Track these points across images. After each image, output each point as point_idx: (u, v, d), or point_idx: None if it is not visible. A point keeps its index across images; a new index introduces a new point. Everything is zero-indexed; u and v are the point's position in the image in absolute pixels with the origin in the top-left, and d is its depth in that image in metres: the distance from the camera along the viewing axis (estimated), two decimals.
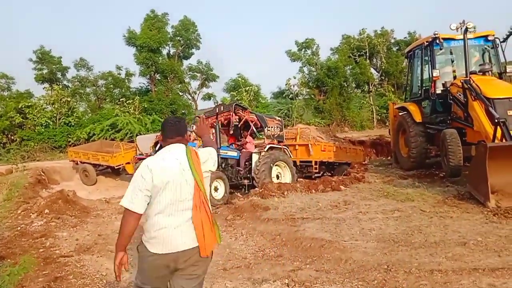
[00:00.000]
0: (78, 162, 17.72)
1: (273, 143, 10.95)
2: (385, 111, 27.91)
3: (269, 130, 11.14)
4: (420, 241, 5.32)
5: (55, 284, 4.59)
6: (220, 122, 10.94)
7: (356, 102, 32.43)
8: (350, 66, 31.53)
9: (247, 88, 30.57)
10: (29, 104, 28.61)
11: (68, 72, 35.04)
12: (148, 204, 2.59)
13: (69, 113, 29.65)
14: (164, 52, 35.10)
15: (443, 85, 9.25)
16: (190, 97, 36.62)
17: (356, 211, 6.93)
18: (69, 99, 30.04)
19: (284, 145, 11.56)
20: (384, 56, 31.33)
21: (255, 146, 11.51)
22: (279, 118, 12.43)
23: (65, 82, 34.65)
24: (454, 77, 9.46)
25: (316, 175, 12.84)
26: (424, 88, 10.15)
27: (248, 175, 10.69)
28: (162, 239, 2.56)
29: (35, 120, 28.09)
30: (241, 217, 7.56)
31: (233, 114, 10.61)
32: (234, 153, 10.97)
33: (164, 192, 2.56)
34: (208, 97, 37.18)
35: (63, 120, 28.96)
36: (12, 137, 28.10)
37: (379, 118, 30.00)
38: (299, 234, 6.13)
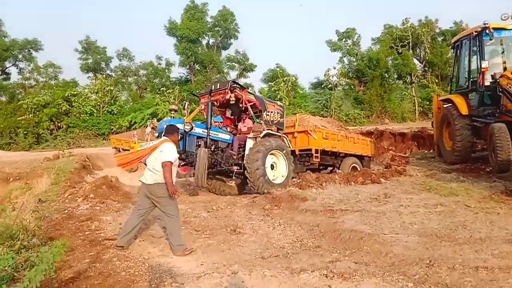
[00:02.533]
0: (120, 149, 18.26)
1: (271, 129, 9.86)
2: (428, 103, 27.03)
3: (268, 115, 10.07)
4: (464, 237, 5.15)
5: (100, 265, 4.78)
6: (215, 101, 9.75)
7: (398, 94, 31.58)
8: (392, 57, 30.69)
9: (285, 79, 30.41)
10: (75, 92, 29.73)
11: (112, 62, 36.18)
12: None
13: (112, 101, 30.59)
14: (204, 42, 35.51)
15: (492, 76, 8.83)
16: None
17: (397, 205, 6.78)
18: (112, 88, 30.97)
19: (284, 134, 10.59)
20: (428, 46, 30.27)
21: (252, 131, 10.07)
22: (280, 103, 11.35)
23: (108, 72, 35.79)
24: (504, 69, 9.00)
25: (321, 168, 12.05)
26: (471, 79, 9.72)
27: (240, 162, 9.57)
28: None
29: (80, 108, 29.17)
30: (279, 207, 7.57)
31: (229, 92, 9.37)
32: (227, 136, 9.79)
33: None
34: (246, 87, 37.31)
35: (106, 109, 29.90)
36: (59, 124, 29.32)
37: (421, 110, 29.09)
38: (338, 225, 6.08)
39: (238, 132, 10.26)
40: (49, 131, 28.47)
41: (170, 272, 4.61)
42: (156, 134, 8.49)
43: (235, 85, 9.67)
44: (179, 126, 7.99)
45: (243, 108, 9.94)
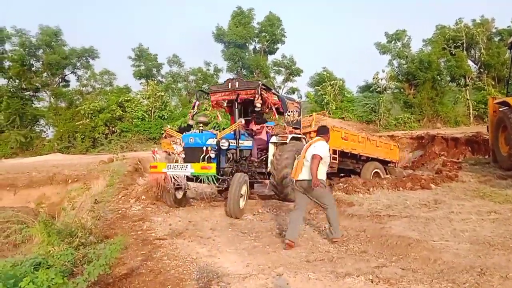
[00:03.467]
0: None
1: (293, 132, 9.13)
2: (483, 106, 25.82)
3: (289, 115, 9.25)
4: None
5: (152, 263, 5.01)
6: (233, 100, 9.01)
7: (451, 97, 30.34)
8: (445, 59, 29.56)
9: (331, 82, 30.13)
10: (128, 98, 30.96)
11: (162, 68, 37.38)
12: None
13: (162, 107, 31.57)
14: (250, 47, 35.93)
15: None
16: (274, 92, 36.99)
17: (447, 211, 6.58)
18: (162, 94, 31.99)
19: (303, 134, 9.85)
20: (484, 47, 28.92)
21: (272, 134, 9.39)
22: (298, 101, 10.64)
23: (159, 78, 36.99)
24: None
25: (341, 176, 11.34)
26: None
27: (264, 170, 8.93)
28: None
29: (132, 113, 30.33)
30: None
31: (257, 95, 8.33)
32: (249, 143, 8.85)
33: None
34: (293, 91, 37.29)
35: (157, 114, 30.89)
36: (113, 129, 30.62)
37: (476, 113, 27.81)
38: (385, 231, 5.99)
39: (252, 133, 9.44)
40: (104, 136, 29.77)
41: (217, 272, 4.74)
42: (180, 149, 7.65)
43: (264, 86, 8.79)
44: (211, 141, 7.66)
45: (263, 109, 9.14)
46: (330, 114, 27.89)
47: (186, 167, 7.40)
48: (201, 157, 7.39)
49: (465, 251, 4.93)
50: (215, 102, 9.46)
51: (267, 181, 8.84)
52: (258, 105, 8.30)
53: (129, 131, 29.93)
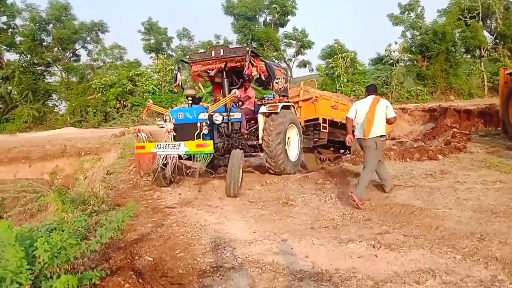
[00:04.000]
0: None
1: (283, 100, 8.65)
2: (498, 78, 25.38)
3: (277, 83, 8.60)
4: None
5: (161, 229, 5.19)
6: (220, 69, 8.45)
7: (465, 69, 29.79)
8: (460, 29, 28.89)
9: (343, 55, 29.75)
10: (138, 72, 31.03)
11: (172, 42, 37.25)
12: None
13: (172, 80, 31.65)
14: (261, 20, 35.50)
15: None
16: (285, 65, 36.73)
17: (452, 181, 6.63)
18: (173, 68, 32.00)
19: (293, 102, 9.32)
20: (501, 17, 28.15)
21: (259, 104, 8.86)
22: (283, 66, 10.22)
23: (169, 52, 36.90)
24: None
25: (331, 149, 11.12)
26: None
27: (255, 143, 8.33)
28: None
29: (143, 87, 30.46)
30: (331, 182, 7.67)
31: (249, 66, 7.70)
32: (239, 114, 8.22)
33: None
34: (304, 64, 37.04)
35: (168, 87, 30.98)
36: (124, 103, 30.84)
37: (490, 85, 27.34)
38: (389, 200, 6.09)
39: (239, 103, 8.75)
40: (115, 110, 30.07)
41: (224, 237, 4.92)
42: (171, 126, 7.08)
43: (253, 53, 8.02)
44: (202, 116, 7.11)
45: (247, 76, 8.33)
46: (319, 84, 27.65)
47: (179, 145, 6.76)
48: (196, 134, 6.73)
49: (467, 219, 5.01)
50: (197, 72, 8.65)
51: (261, 154, 8.41)
52: (254, 73, 7.78)
53: (140, 105, 30.12)
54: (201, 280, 3.73)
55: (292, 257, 4.27)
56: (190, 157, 6.91)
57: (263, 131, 8.15)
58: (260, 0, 33.45)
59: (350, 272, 3.83)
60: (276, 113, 8.16)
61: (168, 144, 6.92)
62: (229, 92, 8.02)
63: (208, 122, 7.01)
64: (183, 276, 3.81)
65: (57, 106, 34.07)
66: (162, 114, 7.61)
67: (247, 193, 7.35)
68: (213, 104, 7.50)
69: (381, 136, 6.26)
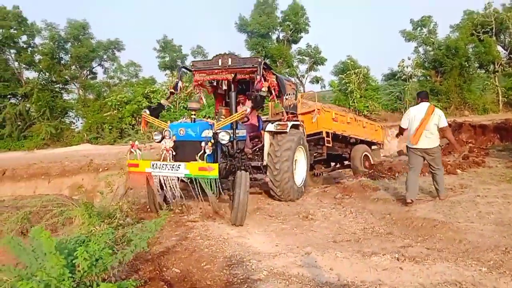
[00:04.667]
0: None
1: (291, 118, 7.98)
2: None
3: (287, 98, 7.96)
4: None
5: (186, 242, 5.29)
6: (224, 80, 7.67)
7: (479, 84, 29.73)
8: (473, 45, 28.93)
9: (356, 71, 29.91)
10: (154, 89, 31.52)
11: (187, 59, 37.86)
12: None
13: (187, 97, 32.05)
14: (274, 37, 35.98)
15: None
16: (298, 81, 37.00)
17: (473, 195, 6.64)
18: (187, 85, 32.43)
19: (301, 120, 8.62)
20: None
21: (264, 120, 8.28)
22: (293, 81, 9.51)
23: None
24: None
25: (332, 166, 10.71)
26: None
27: (259, 164, 7.53)
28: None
29: (140, 123, 30.92)
30: (350, 196, 7.71)
31: (261, 79, 6.88)
32: (243, 132, 7.27)
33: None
34: (316, 80, 37.26)
35: (182, 104, 31.37)
36: (140, 120, 31.28)
37: (505, 100, 27.20)
38: (410, 214, 6.12)
39: (245, 119, 7.56)
40: (131, 126, 30.48)
41: (247, 250, 4.98)
42: (171, 144, 6.10)
43: (265, 65, 7.22)
44: (206, 133, 6.19)
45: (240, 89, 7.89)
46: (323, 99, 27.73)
47: (179, 167, 5.85)
48: (199, 155, 5.76)
49: (490, 232, 5.02)
50: (199, 82, 7.68)
51: (267, 179, 7.41)
52: (264, 89, 6.76)
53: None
54: None
55: (316, 270, 4.31)
56: (191, 181, 5.95)
57: (268, 154, 7.43)
58: (274, 18, 33.95)
59: (376, 284, 3.86)
60: (285, 132, 7.48)
61: (166, 165, 5.96)
62: (236, 107, 7.38)
63: (213, 141, 5.99)
64: (211, 287, 3.88)
65: (74, 123, 34.70)
66: (160, 128, 6.78)
67: (266, 207, 7.42)
68: (217, 120, 6.51)
69: (431, 148, 6.58)
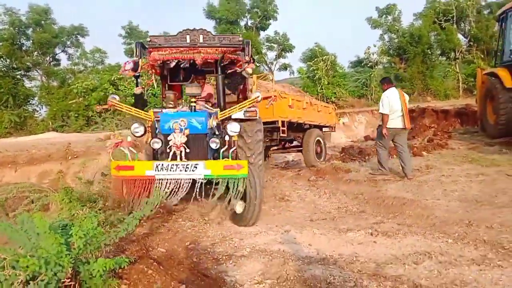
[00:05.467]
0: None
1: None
2: (472, 79, 26.29)
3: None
4: (503, 201, 5.44)
5: (169, 224, 5.43)
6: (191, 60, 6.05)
7: (440, 71, 30.79)
8: (435, 32, 29.86)
9: (323, 58, 30.31)
10: (121, 76, 30.88)
11: None
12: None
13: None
14: (242, 24, 35.85)
15: None
16: (267, 68, 37.14)
17: (438, 174, 7.07)
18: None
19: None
20: (474, 20, 29.25)
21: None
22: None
23: None
24: None
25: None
26: None
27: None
28: None
29: (126, 91, 30.35)
30: (323, 178, 8.01)
31: (251, 60, 5.76)
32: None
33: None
34: (285, 67, 37.45)
35: (151, 91, 30.95)
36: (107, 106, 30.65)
37: (465, 87, 28.34)
38: (381, 193, 6.46)
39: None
40: (97, 114, 29.88)
41: (229, 230, 5.17)
42: (183, 139, 4.97)
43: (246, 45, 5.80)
44: (210, 124, 5.21)
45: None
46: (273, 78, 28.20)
47: (195, 167, 4.83)
48: (222, 151, 5.08)
49: (455, 208, 5.41)
50: (156, 61, 5.96)
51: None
52: (250, 70, 5.70)
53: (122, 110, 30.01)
54: (216, 267, 3.98)
55: (296, 246, 4.55)
56: (207, 183, 5.01)
57: (238, 147, 6.07)
58: (242, 4, 33.81)
59: (353, 256, 4.13)
60: (255, 119, 6.53)
61: (177, 165, 4.86)
62: (224, 93, 6.23)
63: (217, 133, 5.33)
64: (198, 264, 4.05)
65: (37, 111, 33.55)
66: (140, 118, 5.61)
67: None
68: (166, 106, 5.67)
69: (403, 128, 7.47)
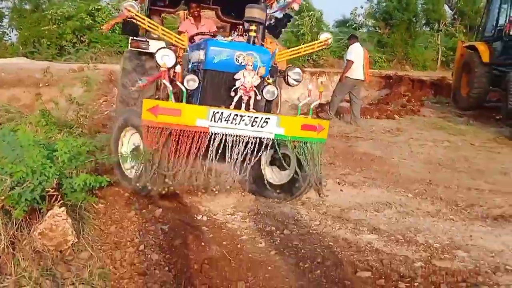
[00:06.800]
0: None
1: None
2: (452, 53, 26.57)
3: None
4: (464, 167, 5.83)
5: None
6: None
7: (422, 41, 30.99)
8: (423, 1, 29.78)
9: (309, 13, 29.84)
10: (99, 7, 29.59)
11: None
12: None
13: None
14: None
15: None
16: None
17: (407, 137, 7.42)
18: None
19: None
20: None
21: None
22: None
23: None
24: None
25: None
26: (498, 28, 9.88)
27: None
28: None
29: (103, 24, 29.22)
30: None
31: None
32: None
33: None
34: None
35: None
36: (82, 38, 29.52)
37: (444, 59, 28.75)
38: (352, 149, 6.75)
39: None
40: (71, 44, 28.78)
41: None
42: (254, 80, 3.57)
43: None
44: (263, 56, 3.75)
45: None
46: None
47: (266, 121, 3.62)
48: (301, 104, 4.31)
49: (419, 168, 5.76)
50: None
51: None
52: (296, 6, 5.06)
53: (98, 42, 28.96)
54: (190, 197, 4.17)
55: None
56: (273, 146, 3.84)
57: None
58: None
59: (320, 200, 4.40)
60: None
61: (242, 116, 3.55)
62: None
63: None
64: (174, 194, 4.19)
65: (7, 34, 31.96)
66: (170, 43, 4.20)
67: None
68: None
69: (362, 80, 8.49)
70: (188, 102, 3.60)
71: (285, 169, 4.14)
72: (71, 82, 14.03)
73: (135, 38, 5.06)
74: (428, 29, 31.77)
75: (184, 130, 3.41)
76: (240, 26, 4.26)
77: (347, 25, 30.95)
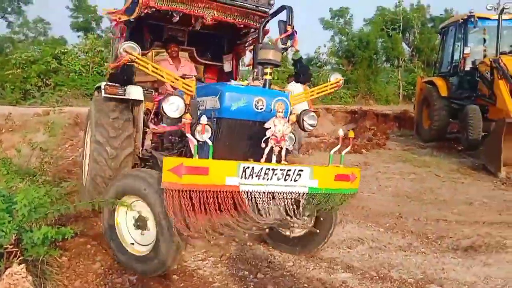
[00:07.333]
0: None
1: None
2: (412, 87, 27.80)
3: None
4: (430, 198, 5.97)
5: None
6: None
7: (384, 76, 32.29)
8: (382, 39, 31.22)
9: None
10: (65, 50, 29.48)
11: (102, 22, 35.76)
12: None
13: (101, 62, 30.44)
14: None
15: (473, 63, 9.56)
16: None
17: (375, 171, 7.55)
18: (102, 49, 30.79)
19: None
20: (418, 31, 30.91)
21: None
22: None
23: (99, 32, 35.41)
24: (484, 56, 9.73)
25: None
26: (453, 64, 10.45)
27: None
28: None
29: (69, 67, 28.99)
30: None
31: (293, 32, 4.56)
32: None
33: None
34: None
35: (96, 69, 29.80)
36: (47, 81, 29.13)
37: (405, 93, 29.92)
38: None
39: None
40: (36, 88, 28.34)
41: None
42: (286, 128, 3.10)
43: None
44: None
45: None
46: None
47: (299, 174, 3.18)
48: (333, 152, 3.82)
49: (387, 202, 5.85)
50: (150, 8, 4.06)
51: None
52: (298, 54, 5.00)
53: (64, 85, 28.65)
54: None
55: None
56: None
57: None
58: None
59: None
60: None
61: (273, 170, 3.08)
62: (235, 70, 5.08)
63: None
64: None
65: None
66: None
67: None
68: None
69: None
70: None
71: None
72: (35, 127, 13.71)
73: (109, 83, 4.38)
74: (389, 65, 33.21)
75: (211, 191, 2.85)
76: (255, 70, 4.00)
77: (312, 63, 31.96)
